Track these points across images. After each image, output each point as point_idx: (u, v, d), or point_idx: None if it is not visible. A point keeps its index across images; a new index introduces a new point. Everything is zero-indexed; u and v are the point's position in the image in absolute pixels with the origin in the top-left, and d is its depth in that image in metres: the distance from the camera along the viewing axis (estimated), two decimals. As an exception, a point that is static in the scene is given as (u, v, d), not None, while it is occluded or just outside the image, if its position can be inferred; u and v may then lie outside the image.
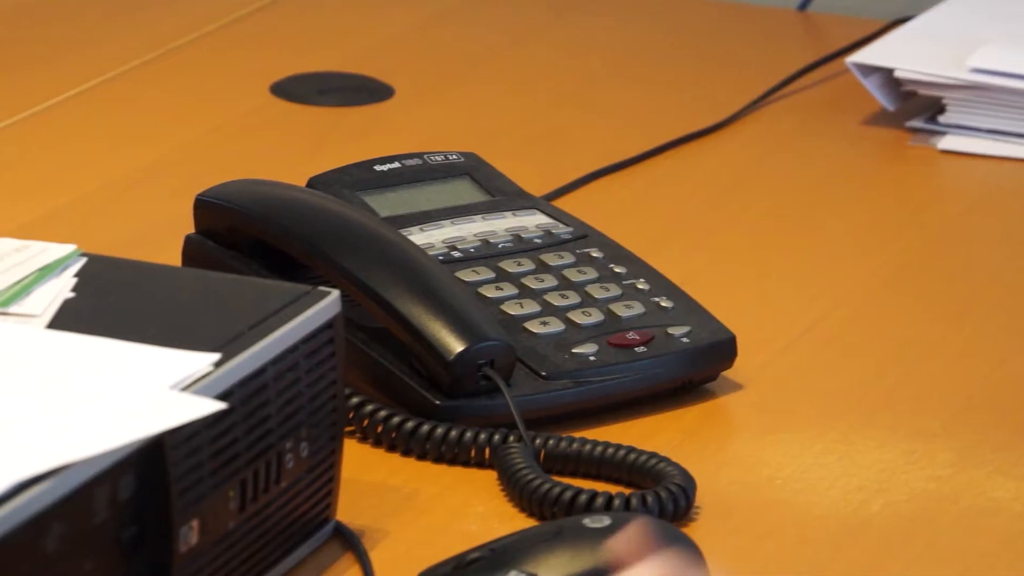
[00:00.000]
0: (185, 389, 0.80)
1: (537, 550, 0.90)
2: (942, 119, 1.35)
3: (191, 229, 1.11)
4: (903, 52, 1.36)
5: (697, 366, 1.05)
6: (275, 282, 0.98)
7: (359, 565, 0.90)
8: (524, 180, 1.17)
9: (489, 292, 1.04)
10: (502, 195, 1.14)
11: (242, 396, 0.83)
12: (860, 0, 1.57)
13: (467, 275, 1.05)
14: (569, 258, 1.08)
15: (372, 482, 0.98)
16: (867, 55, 1.36)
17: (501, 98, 1.40)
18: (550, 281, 1.05)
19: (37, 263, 0.91)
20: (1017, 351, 1.12)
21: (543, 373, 1.00)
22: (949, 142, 1.33)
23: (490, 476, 0.97)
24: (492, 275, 1.06)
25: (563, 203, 1.20)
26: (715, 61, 1.48)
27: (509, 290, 1.05)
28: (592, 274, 1.07)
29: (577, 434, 1.00)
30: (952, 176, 1.30)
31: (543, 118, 1.37)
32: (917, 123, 1.35)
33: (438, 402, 0.99)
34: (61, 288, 0.89)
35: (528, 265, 1.07)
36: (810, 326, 1.13)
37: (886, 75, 1.35)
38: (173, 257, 1.08)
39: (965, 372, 1.12)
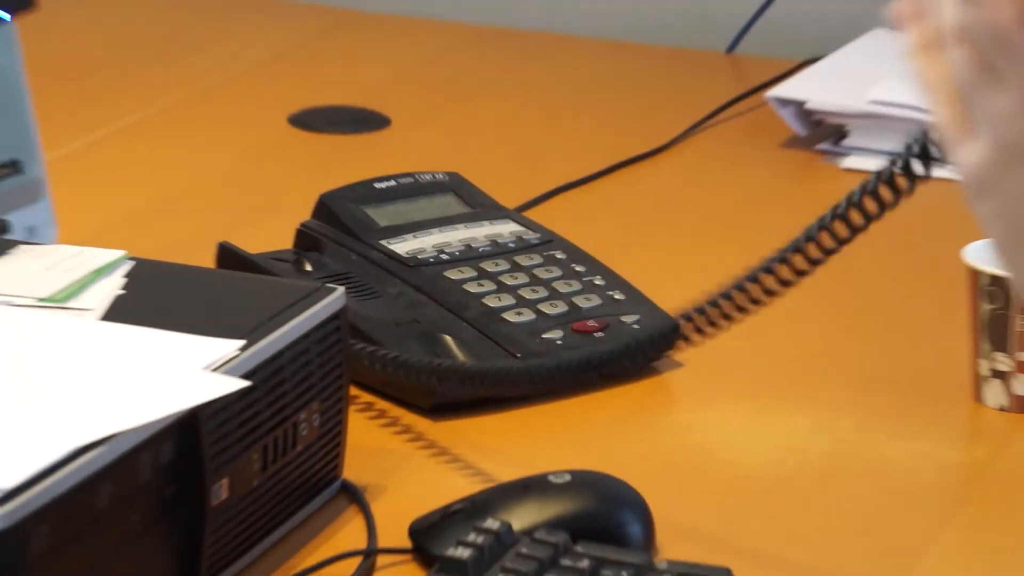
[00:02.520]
0: (215, 370, 0.82)
1: (510, 502, 0.89)
2: (846, 143, 1.35)
3: (224, 237, 1.10)
4: (813, 87, 1.37)
5: (645, 348, 1.04)
6: (291, 281, 1.01)
7: (362, 516, 0.90)
8: (499, 195, 1.17)
9: (472, 288, 1.04)
10: (481, 207, 1.14)
11: (263, 375, 0.84)
12: (777, 43, 1.56)
13: (454, 274, 1.05)
14: (538, 259, 1.08)
15: (374, 446, 0.97)
16: (783, 90, 1.36)
17: (479, 128, 1.40)
18: (522, 279, 1.05)
19: (91, 266, 0.91)
20: (920, 339, 1.11)
21: (518, 355, 1.00)
22: (851, 161, 1.32)
23: (475, 440, 0.98)
24: (474, 274, 1.06)
25: (532, 213, 1.20)
26: (659, 95, 1.48)
27: (488, 286, 1.05)
28: (557, 272, 1.07)
29: (545, 407, 1.00)
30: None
31: (514, 144, 1.37)
32: (825, 146, 1.35)
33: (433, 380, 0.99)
34: (112, 286, 0.89)
35: (504, 265, 1.07)
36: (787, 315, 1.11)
37: (799, 106, 1.35)
38: (207, 260, 1.08)
39: (872, 353, 1.12)
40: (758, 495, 0.97)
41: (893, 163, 0.78)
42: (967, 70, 0.63)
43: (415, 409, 1.02)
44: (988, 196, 0.64)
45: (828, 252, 0.86)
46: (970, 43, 0.63)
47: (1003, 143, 0.63)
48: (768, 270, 0.88)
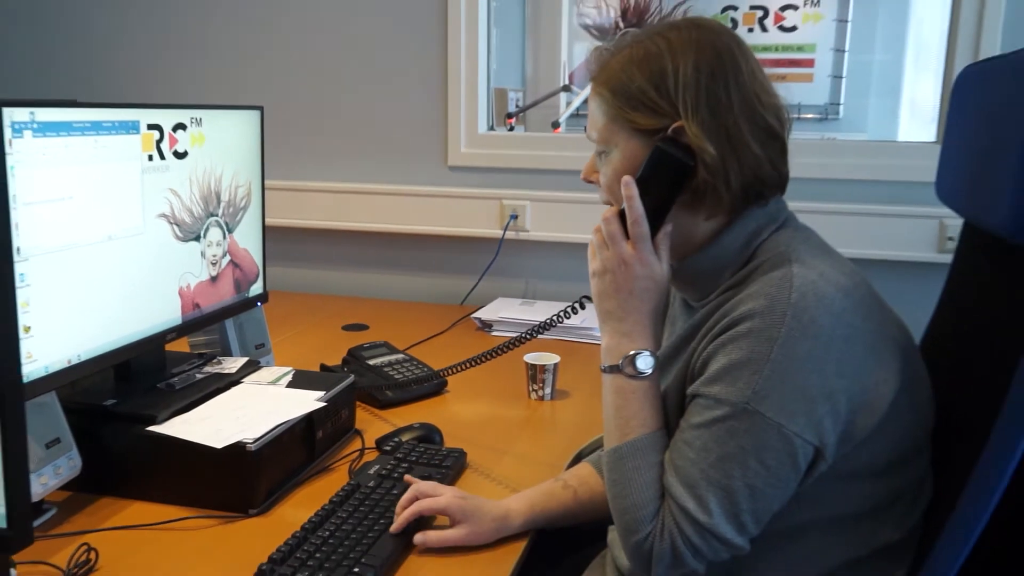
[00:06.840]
0: (317, 400, 0.96)
1: (405, 433, 1.00)
2: (494, 330, 1.39)
3: (322, 360, 1.19)
4: (485, 313, 1.36)
5: (438, 388, 1.19)
6: (340, 374, 1.07)
7: (360, 439, 1.03)
8: (397, 343, 1.32)
9: (392, 372, 1.19)
10: (393, 349, 1.28)
11: (330, 402, 0.98)
12: (482, 297, 1.58)
13: (387, 369, 1.19)
14: (410, 363, 1.23)
15: (363, 418, 1.10)
16: (478, 314, 1.43)
17: (392, 329, 1.42)
18: (405, 370, 1.21)
19: (281, 372, 1.04)
20: (518, 379, 1.18)
21: (403, 391, 1.14)
22: (496, 335, 1.37)
23: (397, 415, 1.06)
24: (392, 369, 1.21)
25: (411, 351, 1.31)
26: (436, 318, 1.47)
27: (395, 372, 1.20)
28: (415, 369, 1.21)
29: (416, 405, 1.11)
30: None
31: (400, 331, 1.42)
32: (487, 331, 1.40)
33: (380, 399, 1.13)
34: (288, 378, 1.03)
35: (399, 366, 1.22)
36: (474, 382, 1.22)
37: (481, 320, 1.43)
38: (316, 367, 1.19)
39: (505, 385, 1.19)
40: (477, 427, 1.03)
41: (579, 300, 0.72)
42: (599, 240, 0.69)
43: (376, 406, 1.12)
44: (594, 283, 0.69)
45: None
46: (603, 231, 0.68)
47: (603, 267, 0.69)
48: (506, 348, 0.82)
